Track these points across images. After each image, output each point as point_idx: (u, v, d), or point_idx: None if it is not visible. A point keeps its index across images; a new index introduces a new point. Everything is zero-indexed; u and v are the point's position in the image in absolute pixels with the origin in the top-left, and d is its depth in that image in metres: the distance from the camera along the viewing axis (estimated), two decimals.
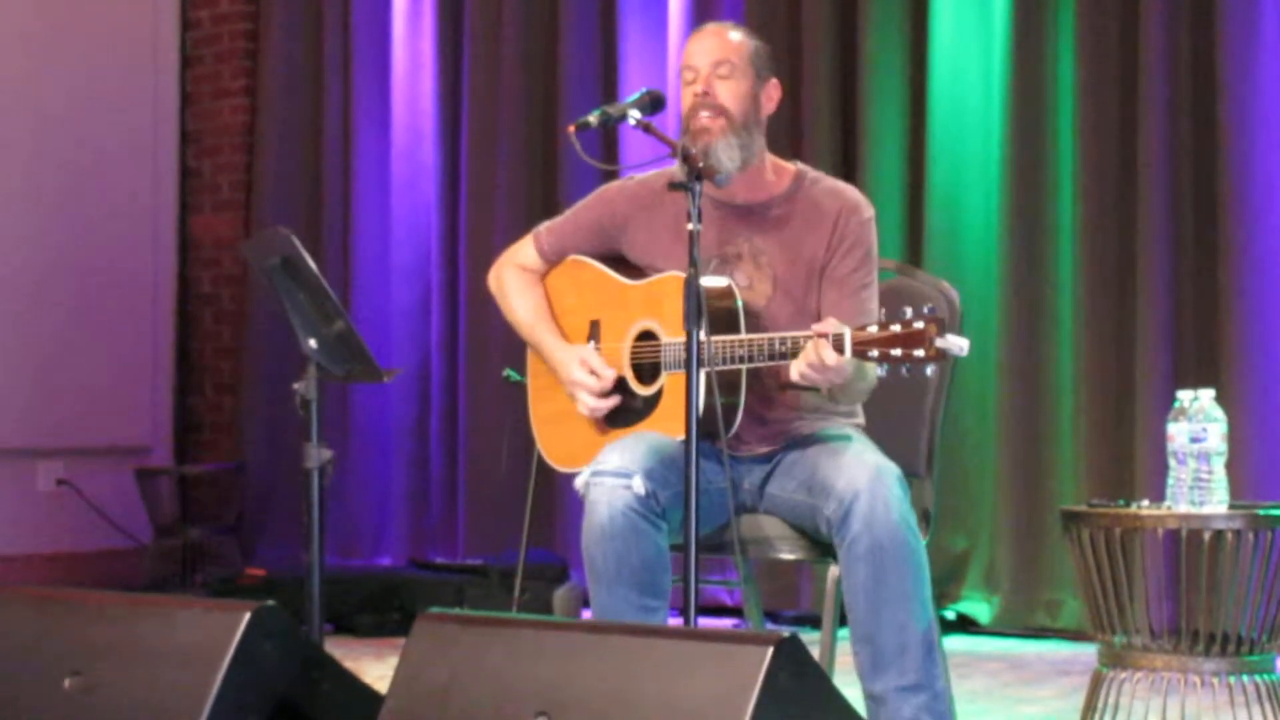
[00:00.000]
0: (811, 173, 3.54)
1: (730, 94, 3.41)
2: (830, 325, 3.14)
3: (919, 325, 3.05)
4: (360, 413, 7.20)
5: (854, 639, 3.24)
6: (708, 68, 3.42)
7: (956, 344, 3.05)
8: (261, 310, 7.37)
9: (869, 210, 3.50)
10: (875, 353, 3.08)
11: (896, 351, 3.06)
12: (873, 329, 3.09)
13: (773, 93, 3.50)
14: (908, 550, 3.18)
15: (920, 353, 3.04)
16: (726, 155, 3.39)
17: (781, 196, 3.50)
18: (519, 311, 3.67)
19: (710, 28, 3.53)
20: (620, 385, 3.51)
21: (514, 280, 3.70)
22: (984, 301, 5.77)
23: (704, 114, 3.39)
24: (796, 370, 3.17)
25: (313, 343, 3.41)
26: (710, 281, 3.35)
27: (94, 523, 7.31)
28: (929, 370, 3.10)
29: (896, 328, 3.07)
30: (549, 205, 6.45)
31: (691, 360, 3.11)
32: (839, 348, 3.11)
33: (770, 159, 3.52)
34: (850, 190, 3.53)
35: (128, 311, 7.52)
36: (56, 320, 7.25)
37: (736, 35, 3.48)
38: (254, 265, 3.57)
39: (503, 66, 6.88)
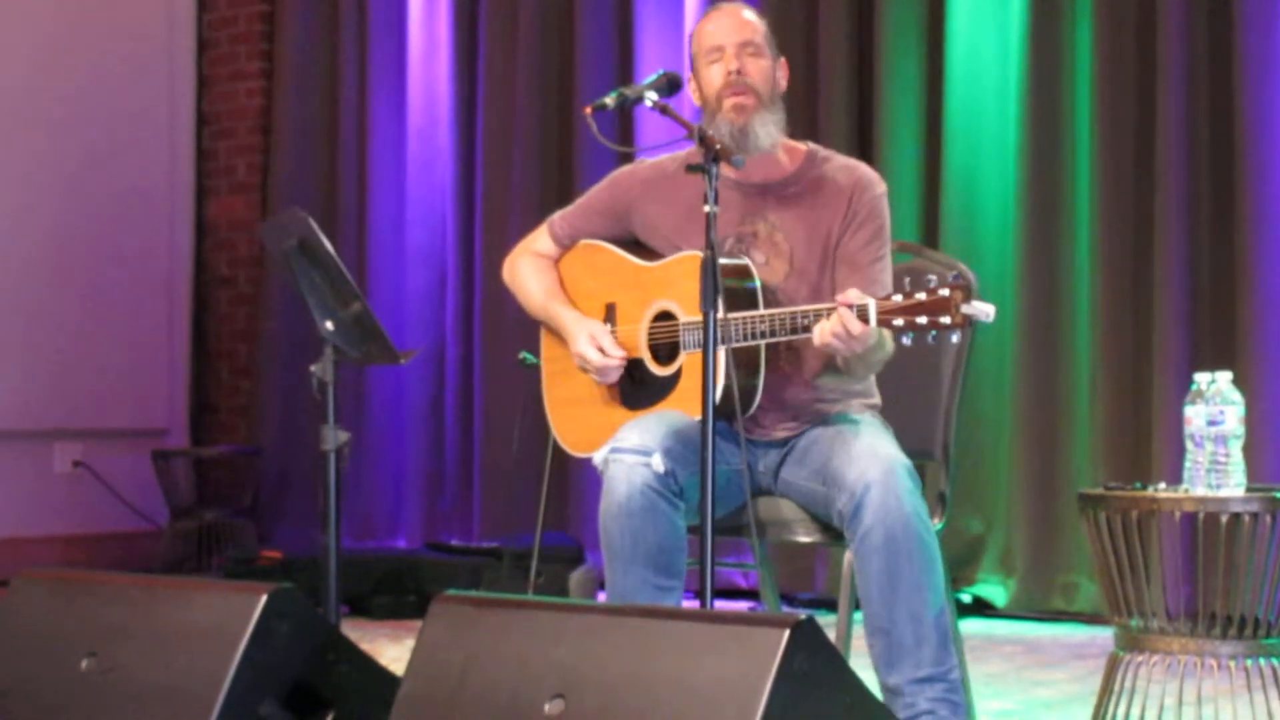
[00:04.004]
0: (823, 151, 3.55)
1: (759, 72, 3.44)
2: (854, 296, 3.11)
3: (944, 292, 3.01)
4: (376, 395, 7.21)
5: (869, 630, 3.23)
6: (735, 47, 3.43)
7: (982, 309, 3.00)
8: (278, 293, 7.38)
9: (881, 186, 3.50)
10: (900, 321, 3.05)
11: (922, 320, 3.02)
12: (897, 298, 3.06)
13: (784, 70, 3.54)
14: (920, 542, 3.17)
15: (946, 319, 3.00)
16: (764, 131, 3.41)
17: (796, 175, 3.50)
18: (532, 291, 3.66)
19: (726, 7, 3.54)
20: (638, 367, 3.51)
21: (527, 264, 3.70)
22: (1000, 283, 5.75)
23: (740, 91, 3.41)
24: (820, 337, 3.16)
25: (329, 325, 3.41)
26: (728, 261, 3.35)
27: (110, 505, 7.33)
28: (954, 338, 3.06)
29: (921, 295, 3.03)
30: (565, 188, 6.45)
31: (709, 342, 3.09)
32: (863, 319, 3.09)
33: (781, 139, 3.52)
34: (862, 166, 3.53)
35: (144, 294, 7.54)
36: (73, 303, 7.27)
37: (751, 15, 3.52)
38: (270, 248, 3.57)
39: (519, 49, 6.87)
